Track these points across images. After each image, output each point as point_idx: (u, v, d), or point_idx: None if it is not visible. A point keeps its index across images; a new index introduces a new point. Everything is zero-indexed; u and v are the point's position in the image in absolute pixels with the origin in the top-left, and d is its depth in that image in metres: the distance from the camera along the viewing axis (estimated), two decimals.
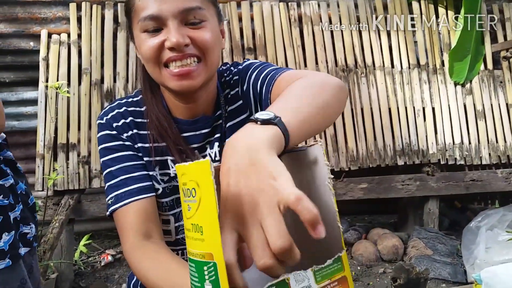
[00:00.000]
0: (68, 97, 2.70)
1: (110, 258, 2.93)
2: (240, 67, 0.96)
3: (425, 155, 3.06)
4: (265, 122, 0.52)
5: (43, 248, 2.22)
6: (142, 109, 0.93)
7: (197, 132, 0.92)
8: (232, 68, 0.98)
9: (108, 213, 0.87)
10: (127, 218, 0.84)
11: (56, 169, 2.57)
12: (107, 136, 0.90)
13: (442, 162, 3.08)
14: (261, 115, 0.53)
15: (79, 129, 2.75)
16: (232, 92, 0.95)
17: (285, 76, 0.82)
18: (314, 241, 0.40)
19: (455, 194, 3.12)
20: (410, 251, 2.85)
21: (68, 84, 2.74)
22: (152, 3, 0.79)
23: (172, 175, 0.92)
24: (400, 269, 2.16)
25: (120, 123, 0.91)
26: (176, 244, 0.96)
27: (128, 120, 0.91)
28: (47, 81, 2.73)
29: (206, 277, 0.43)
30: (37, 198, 2.68)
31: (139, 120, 0.92)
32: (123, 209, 0.85)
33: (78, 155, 2.72)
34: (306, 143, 0.59)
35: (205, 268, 0.43)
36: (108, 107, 0.94)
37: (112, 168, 0.88)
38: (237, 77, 0.95)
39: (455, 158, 3.09)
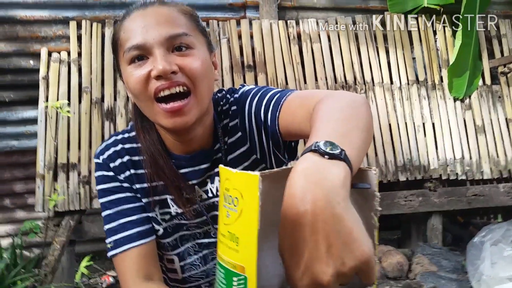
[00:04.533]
0: (68, 116, 2.67)
1: (111, 279, 2.87)
2: (236, 95, 0.90)
3: (427, 171, 3.06)
4: (333, 157, 0.47)
5: (44, 271, 2.17)
6: (139, 145, 0.88)
7: (196, 168, 0.87)
8: (228, 96, 0.92)
9: (108, 255, 0.85)
10: (127, 264, 0.83)
11: (57, 190, 2.54)
12: (104, 177, 0.87)
13: (443, 178, 3.08)
14: (326, 146, 0.48)
15: (79, 148, 2.71)
16: (231, 124, 0.89)
17: (293, 98, 0.77)
18: None
19: (458, 209, 3.11)
20: (415, 267, 2.82)
21: (68, 103, 2.71)
22: (136, 32, 0.75)
23: (173, 213, 0.88)
24: None
25: (117, 164, 0.87)
26: (184, 282, 0.94)
27: (125, 160, 0.87)
28: (47, 100, 2.70)
29: (235, 287, 0.44)
30: (38, 219, 2.65)
31: (136, 158, 0.88)
32: (123, 255, 0.83)
33: (79, 174, 2.68)
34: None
35: (235, 279, 0.44)
36: (104, 144, 0.90)
37: (111, 211, 0.85)
38: (235, 107, 0.89)
39: (457, 173, 3.09)
